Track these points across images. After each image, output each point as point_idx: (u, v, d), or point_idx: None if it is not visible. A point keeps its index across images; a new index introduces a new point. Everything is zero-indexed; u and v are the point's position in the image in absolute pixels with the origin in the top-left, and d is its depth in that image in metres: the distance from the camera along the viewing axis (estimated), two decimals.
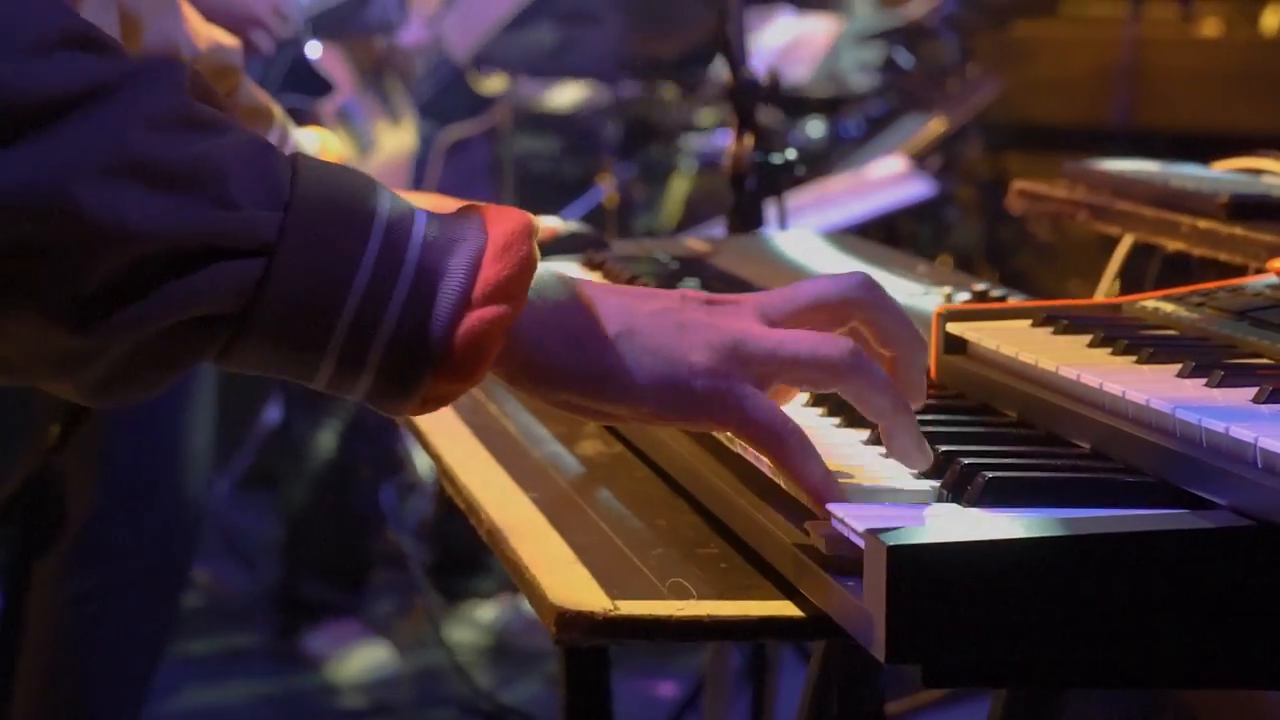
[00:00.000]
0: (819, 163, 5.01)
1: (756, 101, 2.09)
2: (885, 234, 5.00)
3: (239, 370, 1.05)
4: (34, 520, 2.94)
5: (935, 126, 4.86)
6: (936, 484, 1.08)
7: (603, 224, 4.97)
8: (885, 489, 1.09)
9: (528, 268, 1.05)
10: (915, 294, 1.63)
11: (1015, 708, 1.42)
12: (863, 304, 1.13)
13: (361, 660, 4.27)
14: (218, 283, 0.99)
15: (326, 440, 4.42)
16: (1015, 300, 1.48)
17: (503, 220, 1.06)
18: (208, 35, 1.74)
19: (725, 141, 2.18)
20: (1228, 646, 0.99)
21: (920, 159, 4.44)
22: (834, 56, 5.45)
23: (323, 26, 4.02)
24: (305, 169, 1.03)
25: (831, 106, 5.42)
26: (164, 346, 1.01)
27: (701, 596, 1.10)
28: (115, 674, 3.02)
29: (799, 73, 5.39)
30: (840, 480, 1.09)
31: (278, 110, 1.83)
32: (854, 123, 5.32)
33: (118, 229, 0.97)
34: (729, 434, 1.22)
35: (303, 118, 3.81)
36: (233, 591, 4.73)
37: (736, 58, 2.09)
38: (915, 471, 1.11)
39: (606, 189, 5.03)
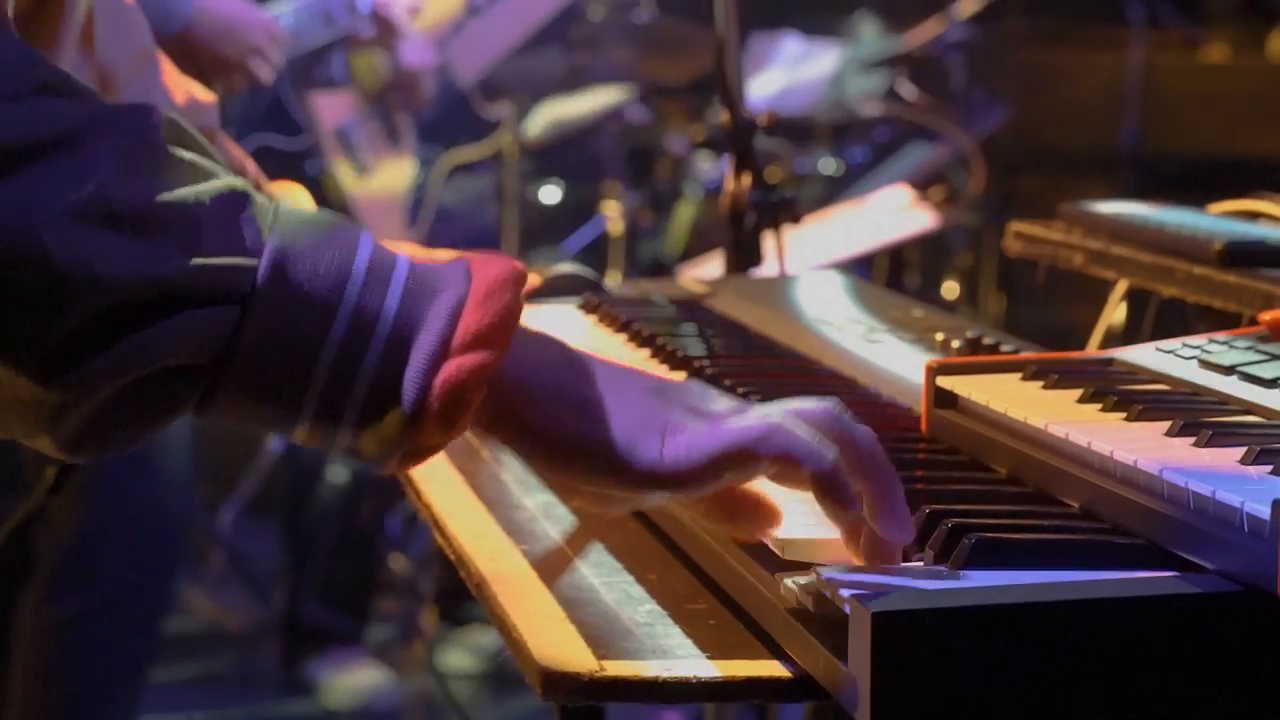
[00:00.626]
0: (826, 190, 5.01)
1: (753, 140, 2.08)
2: (891, 260, 5.00)
3: (219, 423, 1.04)
4: (16, 547, 2.94)
5: (941, 153, 4.85)
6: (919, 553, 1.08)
7: (606, 253, 4.97)
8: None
9: (510, 316, 1.03)
10: (909, 340, 1.62)
11: None
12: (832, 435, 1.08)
13: (364, 686, 4.27)
14: (190, 332, 0.98)
15: (331, 467, 4.42)
16: (1008, 349, 1.48)
17: (487, 267, 1.04)
18: (185, 90, 1.74)
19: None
20: (1216, 711, 0.99)
21: (925, 187, 4.43)
22: (839, 84, 5.45)
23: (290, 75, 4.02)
24: (285, 215, 1.02)
25: (837, 134, 5.42)
26: (139, 399, 1.00)
27: (689, 656, 1.10)
28: (101, 699, 3.03)
29: (802, 104, 5.38)
30: (819, 541, 1.09)
31: (251, 167, 1.83)
32: (860, 150, 5.32)
33: (86, 276, 0.96)
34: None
35: (281, 157, 3.84)
36: (238, 617, 4.73)
37: (734, 96, 2.08)
38: None
39: (610, 217, 5.03)
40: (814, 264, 3.39)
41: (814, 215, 4.07)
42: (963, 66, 5.53)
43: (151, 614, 3.15)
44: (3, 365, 0.97)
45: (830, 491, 1.05)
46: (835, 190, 5.00)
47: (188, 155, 1.01)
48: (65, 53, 1.41)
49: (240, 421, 1.03)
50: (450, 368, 1.01)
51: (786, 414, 1.07)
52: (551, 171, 5.38)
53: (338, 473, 4.42)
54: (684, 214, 5.28)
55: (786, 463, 1.05)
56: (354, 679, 4.29)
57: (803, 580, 1.05)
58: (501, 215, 4.99)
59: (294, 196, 1.89)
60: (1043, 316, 5.09)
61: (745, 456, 1.05)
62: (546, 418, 1.06)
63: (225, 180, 1.01)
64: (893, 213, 4.01)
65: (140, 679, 3.13)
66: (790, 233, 2.16)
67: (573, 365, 1.08)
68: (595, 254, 5.04)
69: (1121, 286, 1.83)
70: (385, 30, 4.02)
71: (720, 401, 1.09)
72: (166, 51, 3.28)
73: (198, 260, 0.97)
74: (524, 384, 1.05)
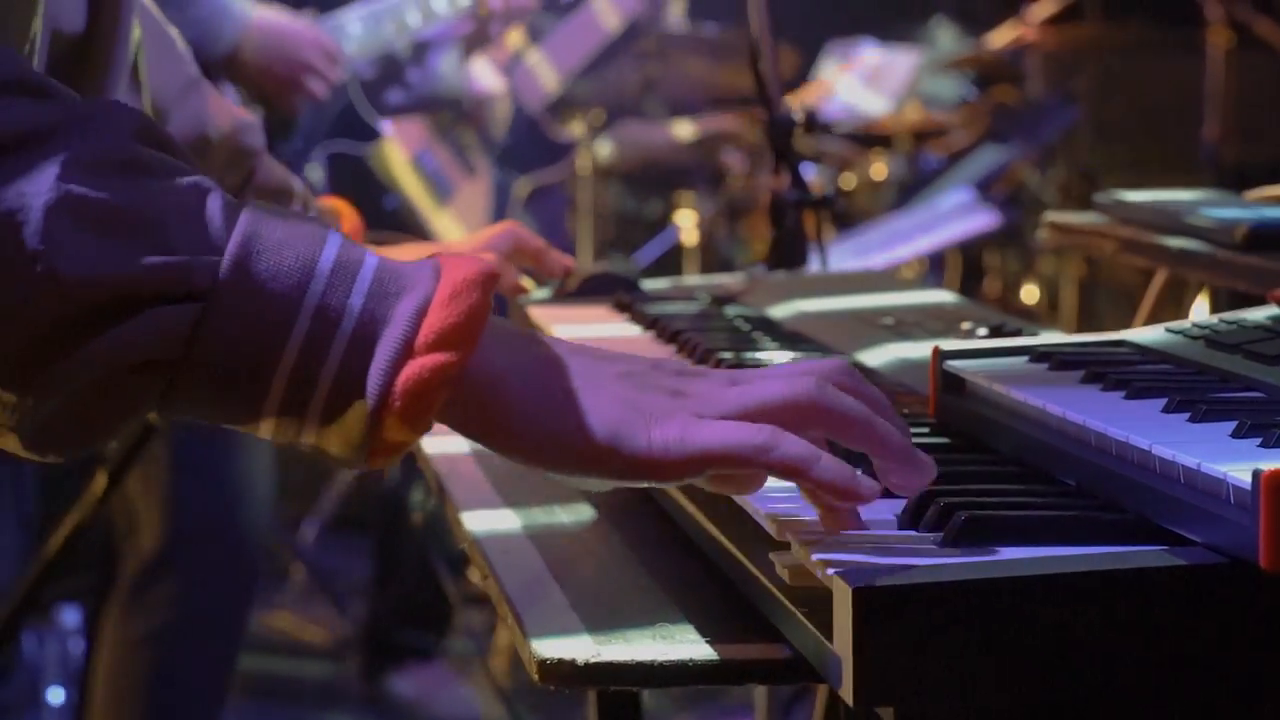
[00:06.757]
0: (899, 194, 4.99)
1: (791, 138, 2.09)
2: (966, 265, 4.97)
3: (182, 418, 1.04)
4: (101, 566, 2.99)
5: (1014, 156, 4.83)
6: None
7: (681, 263, 4.97)
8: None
9: (477, 315, 1.02)
10: (938, 332, 1.62)
11: None
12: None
13: (444, 702, 4.28)
14: (152, 330, 0.98)
15: (416, 484, 4.44)
16: (1025, 337, 1.47)
17: (456, 268, 1.04)
18: (229, 114, 1.78)
19: (810, 175, 2.16)
20: (1201, 683, 0.98)
21: (988, 188, 4.41)
22: (916, 88, 5.43)
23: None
24: (253, 215, 1.01)
25: (914, 139, 5.41)
26: (101, 396, 1.00)
27: (688, 640, 1.10)
28: (180, 715, 3.05)
29: (881, 104, 5.37)
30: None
31: (297, 185, 1.84)
32: (934, 155, 5.30)
33: (48, 277, 0.96)
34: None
35: (353, 162, 3.84)
36: (320, 632, 4.76)
37: (771, 94, 2.09)
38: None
39: (684, 227, 5.02)
40: (876, 264, 3.37)
41: (881, 217, 4.06)
42: (1039, 69, 5.50)
43: (230, 631, 3.17)
44: None
45: (826, 495, 1.05)
46: (909, 194, 4.99)
47: (157, 155, 1.01)
48: (116, 90, 1.43)
49: (203, 417, 1.03)
50: (413, 367, 1.01)
51: (771, 384, 1.06)
52: (625, 182, 5.39)
53: (417, 487, 4.43)
54: (762, 222, 5.27)
55: (785, 473, 1.04)
56: (435, 694, 4.30)
57: (789, 557, 1.05)
58: (575, 228, 5.00)
59: (342, 212, 1.90)
60: (1116, 319, 5.05)
61: (741, 460, 1.04)
62: (520, 417, 1.05)
63: (192, 177, 1.01)
64: (956, 213, 3.99)
65: (220, 694, 3.14)
66: (851, 234, 2.16)
67: (544, 361, 1.07)
68: (670, 265, 5.04)
69: (1161, 275, 1.82)
70: (481, 27, 3.93)
71: (698, 381, 1.08)
72: (218, 71, 3.30)
73: (161, 258, 0.98)
74: (493, 384, 1.04)
